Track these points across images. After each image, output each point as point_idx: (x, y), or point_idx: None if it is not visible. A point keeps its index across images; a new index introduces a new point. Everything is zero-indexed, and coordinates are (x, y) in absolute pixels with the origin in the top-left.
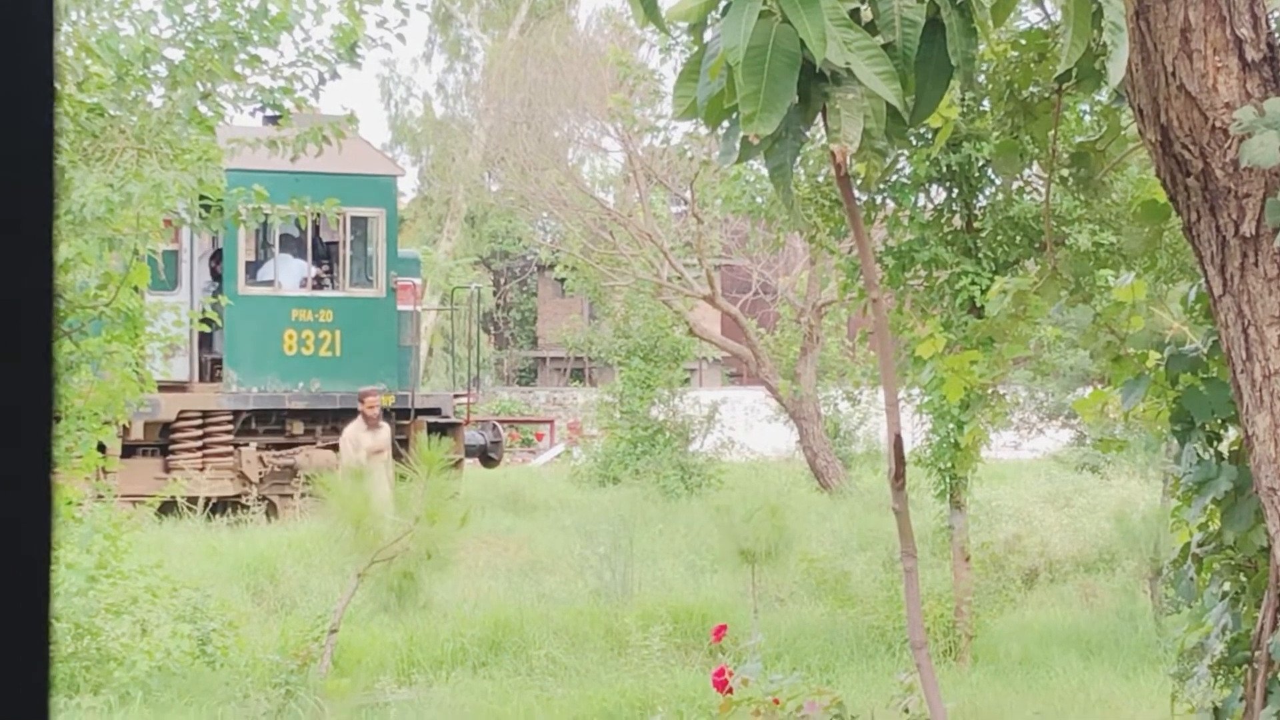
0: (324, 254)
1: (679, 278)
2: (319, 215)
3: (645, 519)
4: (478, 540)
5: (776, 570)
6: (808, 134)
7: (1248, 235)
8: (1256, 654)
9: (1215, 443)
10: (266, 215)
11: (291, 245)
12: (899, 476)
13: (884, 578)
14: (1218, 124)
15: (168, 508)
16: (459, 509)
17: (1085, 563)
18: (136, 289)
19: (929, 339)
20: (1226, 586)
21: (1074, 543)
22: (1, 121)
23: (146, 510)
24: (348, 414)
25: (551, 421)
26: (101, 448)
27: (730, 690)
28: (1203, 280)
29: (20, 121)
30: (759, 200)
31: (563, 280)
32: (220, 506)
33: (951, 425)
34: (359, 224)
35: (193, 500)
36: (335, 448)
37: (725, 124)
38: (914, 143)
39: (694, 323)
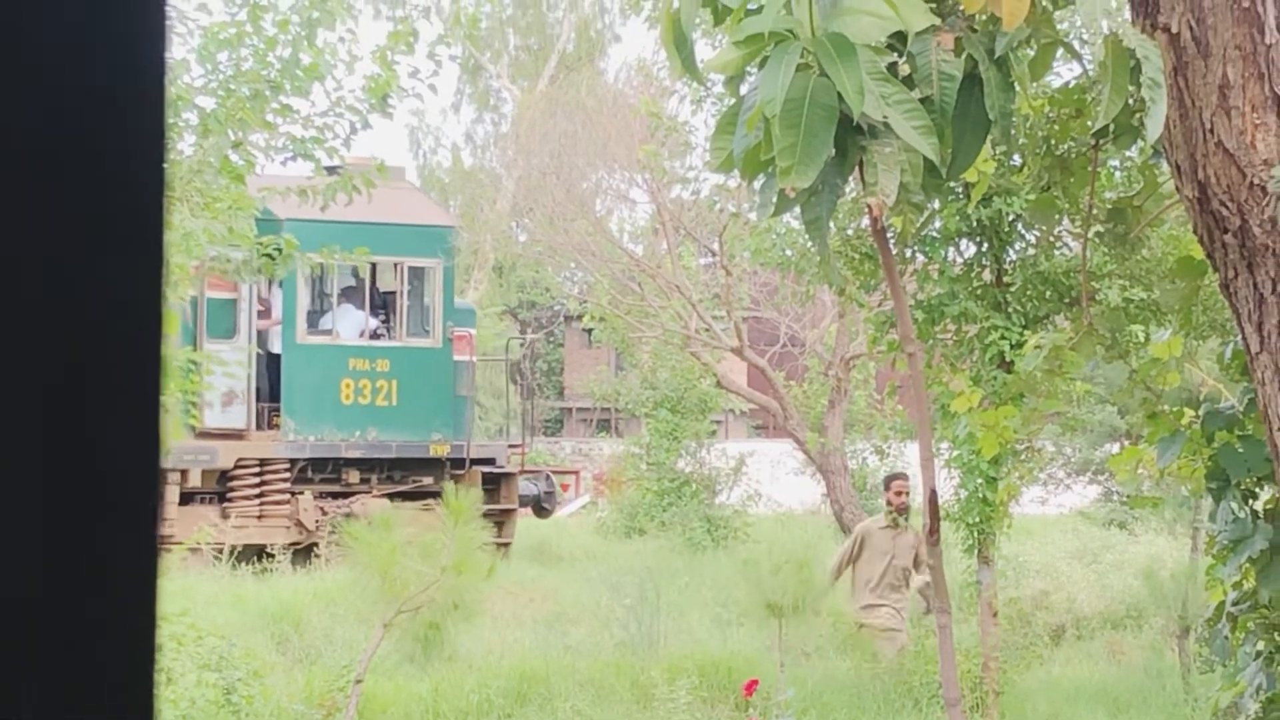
0: (381, 304)
1: (707, 329)
2: (376, 265)
3: (671, 571)
4: (503, 591)
5: (803, 624)
6: (843, 187)
7: None
8: None
9: (1251, 501)
10: (320, 265)
11: (350, 295)
12: (934, 532)
13: (911, 633)
14: (1256, 181)
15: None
16: (486, 559)
17: (1113, 619)
18: (166, 336)
19: (963, 394)
20: (1261, 646)
21: (1101, 599)
22: (119, 191)
23: (174, 557)
24: (403, 463)
25: (577, 472)
26: None
27: None
28: (1239, 337)
29: (138, 195)
30: (788, 253)
31: (590, 331)
32: (246, 555)
33: (980, 480)
34: (416, 274)
35: (219, 548)
36: (391, 496)
37: (762, 177)
38: (946, 197)
39: (721, 375)
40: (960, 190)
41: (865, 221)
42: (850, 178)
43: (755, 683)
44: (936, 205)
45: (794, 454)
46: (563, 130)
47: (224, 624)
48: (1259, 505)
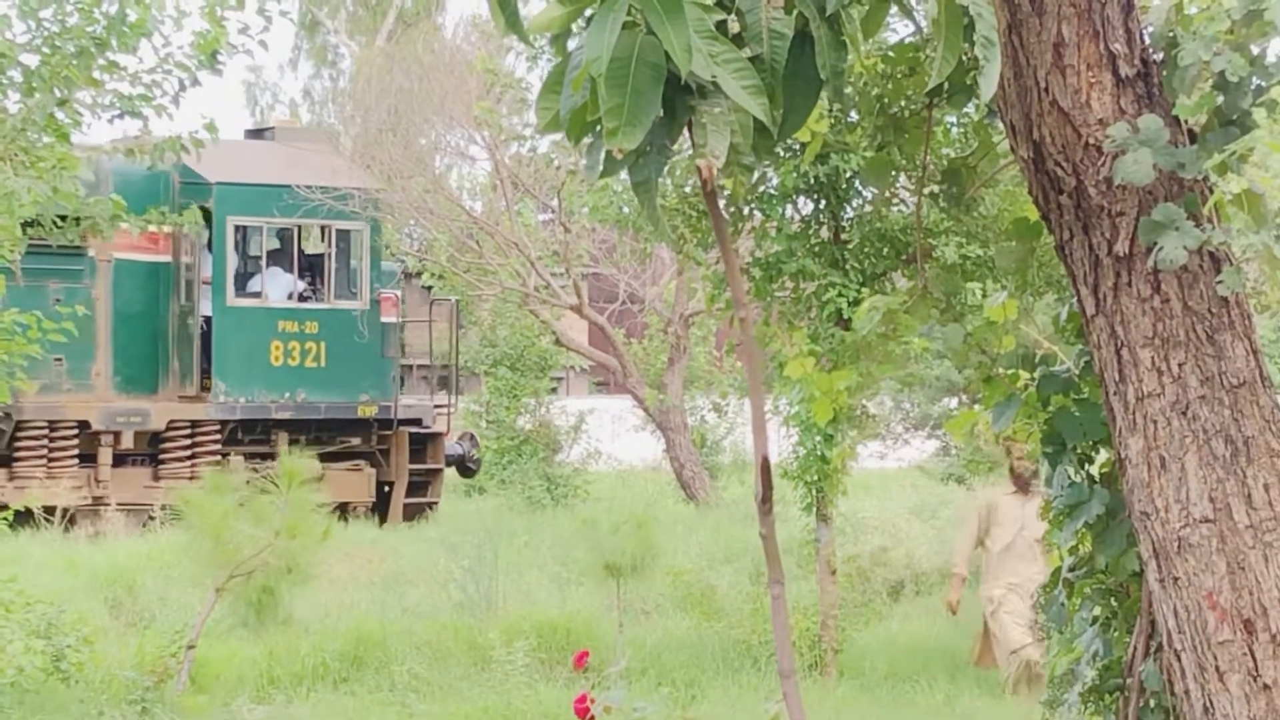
0: (308, 266)
1: (546, 287)
2: (302, 227)
3: (510, 530)
4: (341, 553)
5: (642, 583)
6: (673, 147)
7: (1121, 255)
8: (1128, 681)
9: (1087, 465)
10: (245, 227)
11: (277, 257)
12: (766, 500)
13: (750, 591)
14: (1091, 141)
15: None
16: (321, 522)
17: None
18: None
19: (798, 358)
20: (1098, 612)
21: (940, 555)
22: None
23: None
24: (332, 424)
25: None
26: None
27: (592, 717)
28: (1075, 299)
29: None
30: (625, 210)
31: (429, 288)
32: (76, 517)
33: (819, 438)
34: (343, 237)
35: (49, 512)
36: (321, 459)
37: (589, 137)
38: (782, 154)
39: (561, 332)
40: (797, 148)
41: None
42: (680, 137)
43: (586, 655)
44: (768, 166)
45: (634, 411)
46: (400, 86)
47: (55, 589)
48: (1095, 469)
